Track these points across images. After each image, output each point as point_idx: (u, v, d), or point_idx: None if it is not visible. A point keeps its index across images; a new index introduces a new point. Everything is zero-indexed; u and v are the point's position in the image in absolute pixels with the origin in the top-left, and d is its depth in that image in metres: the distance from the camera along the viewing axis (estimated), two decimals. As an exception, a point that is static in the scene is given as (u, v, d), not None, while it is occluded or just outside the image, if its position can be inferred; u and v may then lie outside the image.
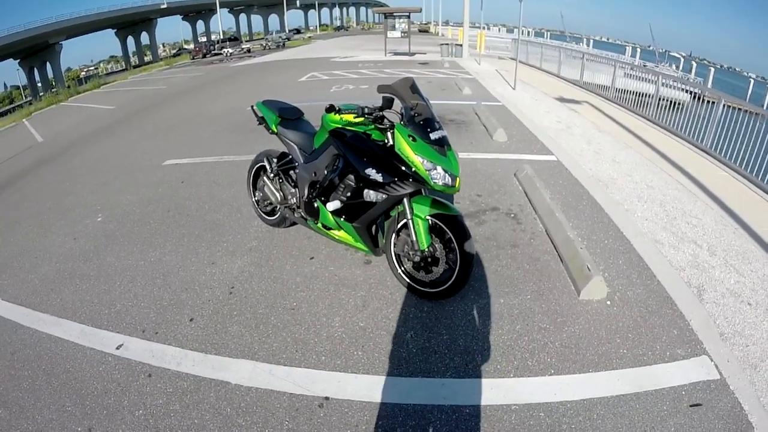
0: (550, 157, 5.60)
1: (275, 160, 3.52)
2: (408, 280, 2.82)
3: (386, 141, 2.54)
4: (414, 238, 2.59)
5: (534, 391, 2.18)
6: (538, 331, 2.57)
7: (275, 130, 3.41)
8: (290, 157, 3.44)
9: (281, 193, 3.45)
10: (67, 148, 7.67)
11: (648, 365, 2.36)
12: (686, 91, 8.39)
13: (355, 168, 2.62)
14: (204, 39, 54.40)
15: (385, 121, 2.52)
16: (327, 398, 2.14)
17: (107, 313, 2.84)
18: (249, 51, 33.16)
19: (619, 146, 6.13)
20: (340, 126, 2.75)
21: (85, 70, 64.98)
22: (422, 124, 2.42)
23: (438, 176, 2.37)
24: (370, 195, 2.60)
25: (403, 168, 2.45)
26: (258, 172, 3.79)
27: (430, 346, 2.45)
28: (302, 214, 3.23)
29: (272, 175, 3.50)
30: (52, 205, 4.87)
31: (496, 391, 2.18)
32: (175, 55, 45.54)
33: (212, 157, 5.99)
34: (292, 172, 3.46)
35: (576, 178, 4.84)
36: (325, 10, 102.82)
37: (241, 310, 2.79)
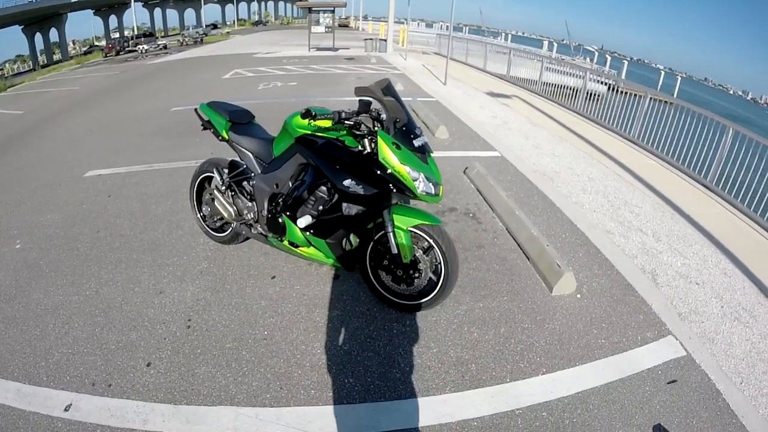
0: (494, 153, 5.74)
1: (226, 170, 3.17)
2: (387, 294, 2.68)
3: (362, 148, 2.35)
4: (396, 251, 2.46)
5: (532, 393, 2.20)
6: (522, 332, 2.60)
7: (226, 137, 3.08)
8: (244, 166, 3.12)
9: (235, 208, 3.12)
10: (-28, 161, 6.52)
11: (625, 351, 2.51)
12: (603, 83, 9.07)
13: (330, 179, 2.41)
14: (117, 35, 49.79)
15: (362, 127, 2.32)
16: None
17: (45, 366, 2.36)
18: (165, 47, 30.64)
19: (555, 140, 6.46)
20: (308, 132, 2.51)
21: (-10, 71, 56.14)
22: (404, 130, 2.27)
23: (422, 185, 2.25)
24: (350, 209, 2.40)
25: (384, 176, 2.28)
26: (202, 184, 3.42)
27: (422, 362, 2.35)
28: (262, 230, 2.94)
29: (224, 187, 3.15)
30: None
31: (497, 398, 2.16)
32: (86, 53, 41.11)
33: (140, 165, 5.36)
34: (246, 183, 3.11)
35: (523, 173, 5.00)
36: (242, 5, 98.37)
37: (205, 346, 2.46)
